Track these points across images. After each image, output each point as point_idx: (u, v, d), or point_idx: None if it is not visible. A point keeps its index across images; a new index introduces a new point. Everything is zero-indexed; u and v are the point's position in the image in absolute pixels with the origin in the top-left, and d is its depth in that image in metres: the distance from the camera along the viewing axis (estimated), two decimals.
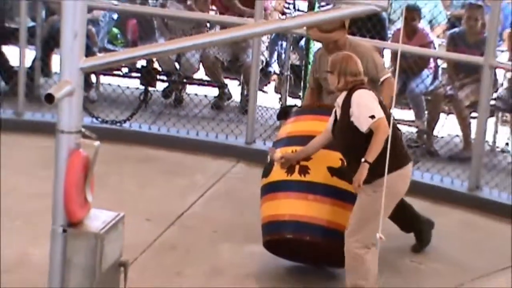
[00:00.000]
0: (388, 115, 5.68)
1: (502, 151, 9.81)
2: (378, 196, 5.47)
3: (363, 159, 5.62)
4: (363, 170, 5.63)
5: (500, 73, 9.58)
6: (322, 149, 6.21)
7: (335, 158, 6.22)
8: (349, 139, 5.78)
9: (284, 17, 10.66)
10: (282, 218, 6.34)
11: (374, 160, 5.60)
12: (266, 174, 6.52)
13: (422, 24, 10.02)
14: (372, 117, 5.65)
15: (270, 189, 6.45)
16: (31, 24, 10.02)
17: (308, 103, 7.17)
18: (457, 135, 9.63)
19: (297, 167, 6.28)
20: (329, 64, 5.99)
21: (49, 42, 10.09)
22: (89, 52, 5.57)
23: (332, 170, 6.24)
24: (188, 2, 10.25)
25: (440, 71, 10.14)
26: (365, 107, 5.71)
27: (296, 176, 6.27)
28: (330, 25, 6.64)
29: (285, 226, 6.35)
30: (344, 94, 5.88)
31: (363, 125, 5.67)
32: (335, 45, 6.80)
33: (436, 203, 8.28)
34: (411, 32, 9.59)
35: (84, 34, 3.94)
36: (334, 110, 6.03)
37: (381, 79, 6.70)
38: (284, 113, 7.10)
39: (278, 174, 6.37)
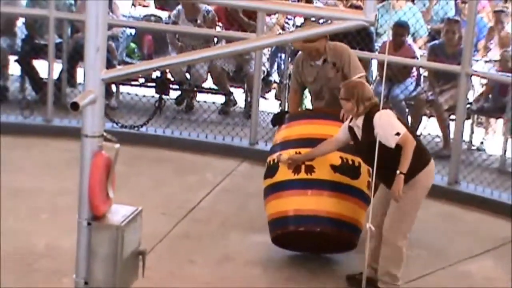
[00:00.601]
0: (405, 124, 5.80)
1: (478, 149, 9.81)
2: (412, 193, 5.75)
3: (398, 171, 5.65)
4: (400, 181, 5.67)
5: (475, 80, 9.57)
6: None
7: (336, 157, 6.23)
8: (377, 154, 5.76)
9: (282, 31, 10.65)
10: (289, 213, 6.30)
11: (411, 165, 5.68)
12: (271, 175, 6.45)
13: (409, 39, 9.99)
14: (397, 134, 5.68)
15: (275, 188, 6.39)
16: (58, 40, 10.02)
17: (293, 106, 7.11)
18: (437, 136, 9.63)
19: (303, 166, 6.25)
20: (343, 93, 5.91)
21: (74, 56, 10.09)
22: (109, 65, 5.57)
23: (335, 167, 6.23)
24: (198, 21, 10.24)
25: (422, 79, 10.13)
26: (388, 126, 5.70)
27: (303, 175, 6.24)
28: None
29: (293, 220, 6.31)
30: (362, 116, 5.86)
31: (391, 143, 5.68)
32: (317, 52, 6.77)
33: None
34: (398, 46, 9.54)
35: (105, 48, 3.95)
36: (347, 126, 5.98)
37: (354, 78, 6.56)
38: (279, 119, 7.02)
39: (284, 174, 6.32)
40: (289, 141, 6.49)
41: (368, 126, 5.78)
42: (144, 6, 12.44)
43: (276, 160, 6.42)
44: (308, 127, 6.49)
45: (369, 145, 5.57)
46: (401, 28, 9.69)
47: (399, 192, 5.68)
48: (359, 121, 5.87)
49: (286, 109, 8.51)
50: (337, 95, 6.25)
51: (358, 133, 5.90)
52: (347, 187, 6.25)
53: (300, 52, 7.06)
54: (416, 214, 5.92)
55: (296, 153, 6.29)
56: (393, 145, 5.67)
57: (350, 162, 6.27)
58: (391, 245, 5.91)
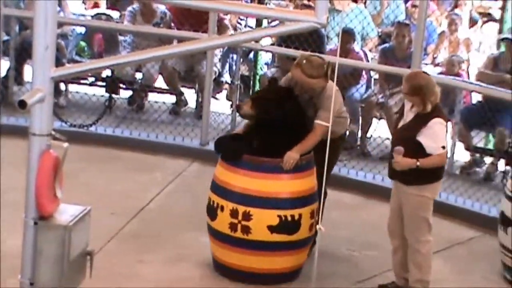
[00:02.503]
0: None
1: None
2: (424, 200, 5.99)
3: (418, 163, 5.82)
4: (411, 163, 5.83)
5: None
6: (263, 208, 6.15)
7: (273, 217, 6.18)
8: (408, 144, 5.88)
9: (234, 32, 10.65)
10: (227, 265, 6.36)
11: (426, 169, 5.87)
12: (211, 216, 6.37)
13: (356, 46, 9.99)
14: (443, 147, 5.95)
15: (215, 234, 6.37)
16: (6, 38, 9.91)
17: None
18: (387, 138, 9.68)
19: (239, 226, 6.19)
20: (408, 87, 5.94)
21: (22, 54, 9.99)
22: (58, 63, 5.50)
23: (272, 228, 6.18)
24: (155, 23, 10.20)
25: (372, 82, 10.20)
26: (441, 136, 5.96)
27: (239, 234, 6.19)
28: (316, 71, 6.37)
29: (233, 272, 6.35)
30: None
31: (434, 151, 5.89)
32: (312, 91, 6.46)
33: (369, 198, 8.35)
34: (345, 54, 9.45)
35: (54, 46, 3.90)
36: (402, 105, 6.22)
37: (315, 121, 6.35)
38: (225, 147, 6.47)
39: (222, 225, 6.26)
40: (248, 196, 6.24)
41: (421, 120, 5.90)
42: (95, 5, 12.31)
43: (216, 204, 6.29)
44: (256, 182, 6.23)
45: (408, 135, 5.88)
46: (346, 35, 9.56)
47: (401, 166, 5.83)
48: (415, 108, 5.96)
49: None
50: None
51: (408, 116, 6.03)
52: (284, 244, 6.24)
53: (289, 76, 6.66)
54: (429, 217, 6.08)
55: (246, 211, 6.18)
56: (433, 153, 5.88)
57: (289, 218, 6.21)
58: (416, 252, 6.06)
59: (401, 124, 6.12)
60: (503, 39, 9.25)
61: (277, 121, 6.28)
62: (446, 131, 6.12)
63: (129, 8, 10.52)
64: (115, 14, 11.39)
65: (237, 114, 6.77)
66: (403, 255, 6.18)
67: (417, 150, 5.85)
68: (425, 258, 6.09)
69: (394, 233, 6.19)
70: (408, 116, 6.02)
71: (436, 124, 5.89)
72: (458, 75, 9.55)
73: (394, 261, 6.28)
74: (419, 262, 6.08)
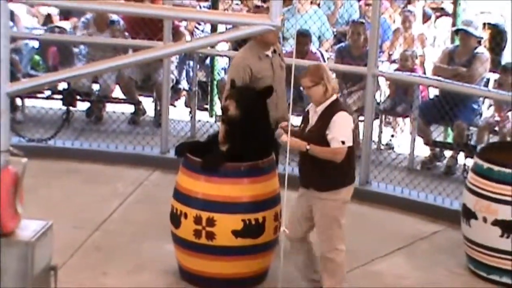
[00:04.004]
0: (357, 143, 5.84)
1: (387, 145, 9.97)
2: (337, 205, 5.90)
3: (308, 146, 5.76)
4: (300, 145, 5.78)
5: (382, 81, 9.73)
6: (226, 214, 6.18)
7: (237, 221, 6.21)
8: (320, 144, 5.82)
9: (191, 38, 10.66)
10: (192, 271, 6.38)
11: (334, 172, 5.82)
12: (175, 224, 6.38)
13: (313, 47, 10.03)
14: (343, 142, 5.79)
15: (179, 242, 6.39)
16: None
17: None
18: None
19: (203, 232, 6.20)
20: (311, 77, 5.86)
21: None
22: (13, 78, 5.47)
23: (236, 232, 6.21)
24: (108, 33, 10.17)
25: None
26: (342, 130, 5.82)
27: (204, 241, 6.21)
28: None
29: (198, 279, 6.37)
30: (324, 105, 5.88)
31: (332, 144, 5.79)
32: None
33: None
34: (302, 55, 9.47)
35: (8, 61, 3.89)
36: (307, 111, 6.05)
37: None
38: (185, 150, 6.50)
39: (186, 233, 6.27)
40: (211, 201, 6.26)
41: (327, 117, 5.83)
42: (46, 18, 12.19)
43: (179, 212, 6.32)
44: (218, 187, 6.26)
45: (317, 135, 5.78)
46: (303, 37, 9.59)
47: (291, 143, 5.72)
48: (320, 109, 5.90)
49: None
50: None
51: (313, 119, 5.94)
52: (249, 248, 6.28)
53: (244, 49, 6.80)
54: (342, 222, 5.98)
55: (210, 217, 6.19)
56: (332, 146, 5.78)
57: (253, 222, 6.24)
58: (329, 261, 6.01)
59: (308, 127, 6.00)
60: (457, 31, 9.34)
61: (254, 121, 6.28)
62: (353, 126, 5.96)
63: (82, 19, 10.48)
64: (67, 25, 11.33)
65: (221, 116, 6.55)
66: (307, 257, 6.16)
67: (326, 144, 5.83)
68: (339, 267, 6.04)
69: (295, 238, 6.08)
70: (313, 119, 5.96)
71: (340, 117, 5.82)
72: (413, 70, 9.63)
73: (298, 264, 6.23)
74: (333, 270, 6.02)
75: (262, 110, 6.43)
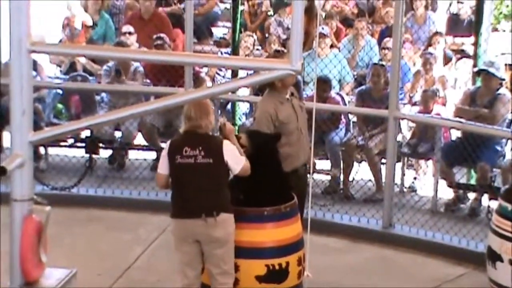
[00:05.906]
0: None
1: (410, 187, 9.92)
2: (232, 227, 6.02)
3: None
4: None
5: (404, 123, 9.72)
6: (250, 259, 6.17)
7: (261, 267, 6.18)
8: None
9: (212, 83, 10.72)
10: None
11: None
12: None
13: (332, 92, 10.03)
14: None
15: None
16: None
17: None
18: (369, 180, 9.72)
19: None
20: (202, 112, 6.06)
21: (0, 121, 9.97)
22: (36, 127, 5.53)
23: (259, 278, 6.18)
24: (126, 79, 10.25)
25: (351, 125, 10.25)
26: (237, 153, 6.12)
27: None
28: None
29: None
30: None
31: (239, 166, 6.08)
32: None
33: (355, 241, 8.35)
34: (322, 101, 9.37)
35: (32, 111, 3.94)
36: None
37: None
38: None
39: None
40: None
41: (214, 150, 6.08)
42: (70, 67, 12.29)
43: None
44: (240, 232, 6.19)
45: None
46: (323, 84, 9.57)
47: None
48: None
49: None
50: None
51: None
52: None
53: (264, 100, 6.90)
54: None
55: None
56: (238, 168, 5.99)
57: (277, 267, 6.20)
58: (224, 286, 6.01)
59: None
60: (479, 72, 9.34)
61: (263, 158, 6.31)
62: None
63: (104, 67, 10.57)
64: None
65: None
66: None
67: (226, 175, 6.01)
68: None
69: (190, 274, 6.08)
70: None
71: (229, 145, 6.05)
72: (433, 109, 9.62)
73: None
74: None
75: (274, 153, 6.44)
